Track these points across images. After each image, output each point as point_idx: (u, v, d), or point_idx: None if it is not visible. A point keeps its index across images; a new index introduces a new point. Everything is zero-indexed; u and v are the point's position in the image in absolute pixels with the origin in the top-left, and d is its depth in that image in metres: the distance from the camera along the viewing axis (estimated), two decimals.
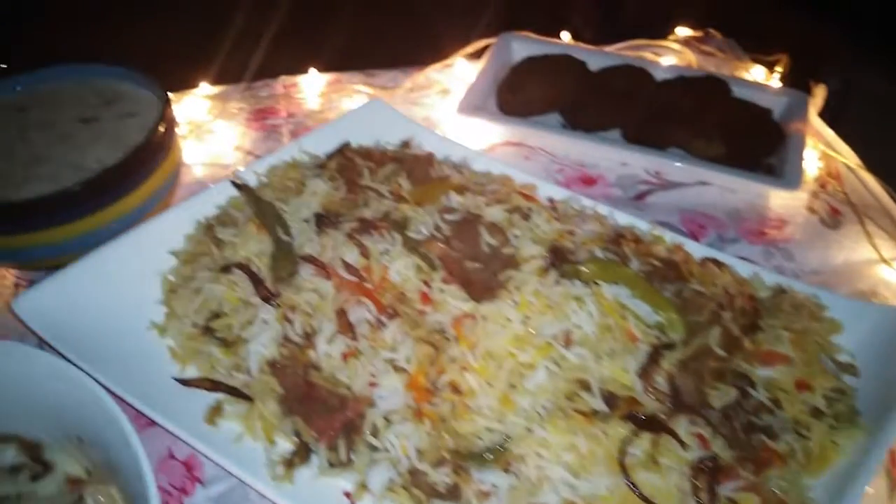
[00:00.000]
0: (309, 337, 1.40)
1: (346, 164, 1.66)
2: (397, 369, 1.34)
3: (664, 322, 1.34)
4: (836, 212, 1.93)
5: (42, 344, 1.60)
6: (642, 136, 2.06)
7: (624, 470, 1.17)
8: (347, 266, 1.44)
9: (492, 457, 1.24)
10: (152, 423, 1.33)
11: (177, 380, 1.44)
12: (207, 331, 1.49)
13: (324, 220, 1.53)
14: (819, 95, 2.17)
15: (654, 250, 1.47)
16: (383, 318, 1.36)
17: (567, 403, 1.26)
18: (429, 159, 1.70)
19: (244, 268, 1.47)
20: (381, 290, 1.42)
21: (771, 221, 1.91)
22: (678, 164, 1.96)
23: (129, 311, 1.53)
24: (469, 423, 1.28)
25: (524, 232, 1.46)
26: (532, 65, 2.23)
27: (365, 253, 1.45)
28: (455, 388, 1.32)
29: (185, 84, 2.34)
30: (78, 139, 1.78)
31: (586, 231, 1.53)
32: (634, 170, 2.06)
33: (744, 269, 1.58)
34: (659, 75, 2.19)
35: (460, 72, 2.38)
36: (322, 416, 1.32)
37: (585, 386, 1.27)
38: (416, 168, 1.68)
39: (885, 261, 1.78)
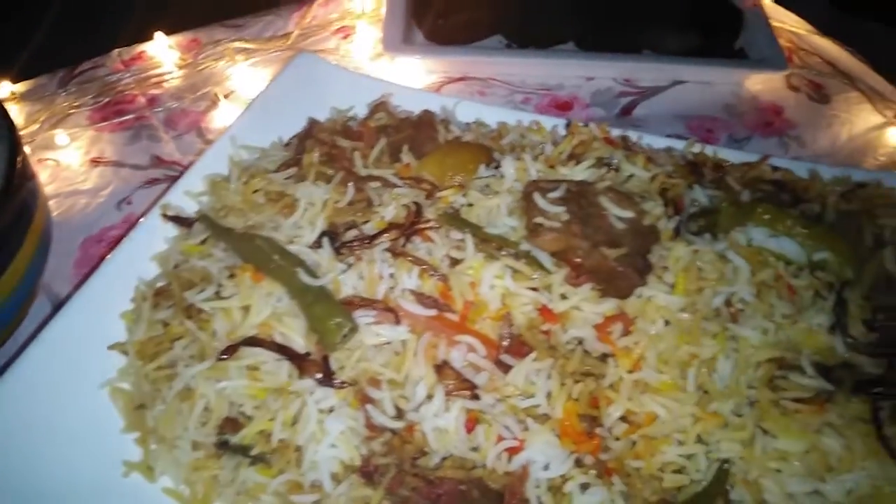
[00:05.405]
0: (402, 414, 0.96)
1: (330, 151, 1.16)
2: (537, 418, 0.97)
3: (827, 259, 1.09)
4: (817, 85, 1.80)
5: None
6: (604, 42, 1.76)
7: (890, 449, 0.92)
8: (419, 297, 0.99)
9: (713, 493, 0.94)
10: None
11: None
12: (224, 448, 0.98)
13: (342, 240, 1.06)
14: None
15: (760, 173, 1.21)
16: (507, 359, 0.96)
17: (772, 395, 0.98)
18: (429, 122, 1.26)
19: (264, 343, 0.96)
20: (471, 317, 1.01)
21: (767, 109, 1.73)
22: (670, 64, 1.71)
23: (84, 458, 0.97)
24: (659, 457, 0.96)
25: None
26: None
27: (429, 271, 1.02)
28: (626, 419, 0.98)
29: None
30: None
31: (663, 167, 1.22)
32: (603, 82, 1.76)
33: (799, 170, 1.39)
34: None
35: (352, 3, 1.87)
36: None
37: (785, 365, 0.99)
38: (416, 137, 1.24)
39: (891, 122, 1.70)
